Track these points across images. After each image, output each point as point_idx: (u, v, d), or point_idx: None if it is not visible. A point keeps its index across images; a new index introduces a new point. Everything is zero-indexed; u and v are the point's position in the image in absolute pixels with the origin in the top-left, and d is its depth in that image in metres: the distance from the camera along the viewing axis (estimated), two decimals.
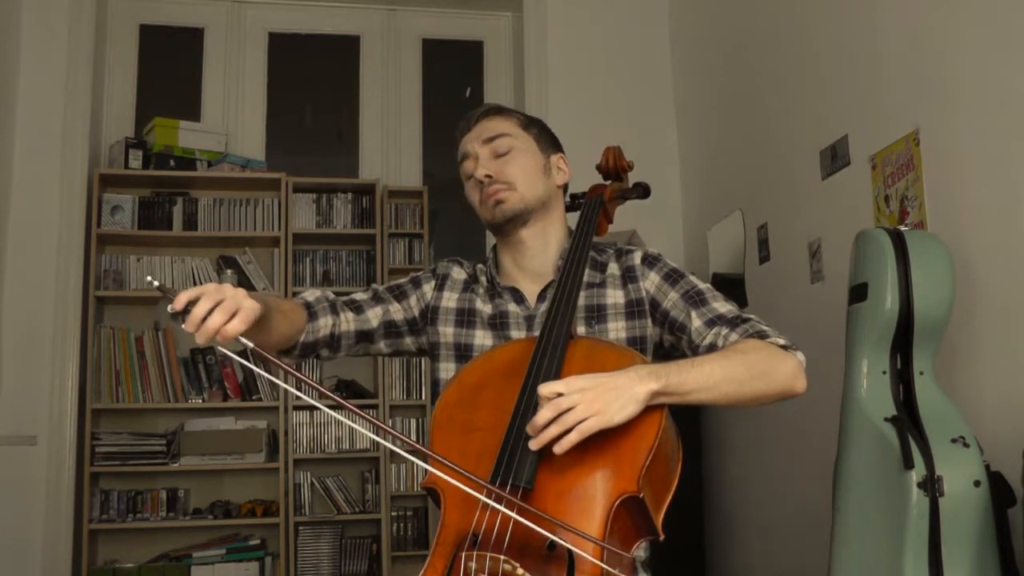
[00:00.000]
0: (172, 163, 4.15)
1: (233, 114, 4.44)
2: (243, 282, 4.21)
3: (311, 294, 1.69)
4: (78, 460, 3.86)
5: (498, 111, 1.73)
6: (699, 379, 1.38)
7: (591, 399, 1.28)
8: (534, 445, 1.29)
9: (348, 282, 4.33)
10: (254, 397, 4.15)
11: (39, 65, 4.03)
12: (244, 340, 1.26)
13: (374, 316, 1.71)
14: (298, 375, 1.21)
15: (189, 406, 4.08)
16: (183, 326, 1.25)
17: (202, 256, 4.23)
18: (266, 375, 1.35)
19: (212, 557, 3.96)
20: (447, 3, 4.61)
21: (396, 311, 1.73)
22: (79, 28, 4.09)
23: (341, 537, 4.17)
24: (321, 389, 1.25)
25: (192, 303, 1.25)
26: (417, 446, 1.30)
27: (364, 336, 1.72)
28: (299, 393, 1.45)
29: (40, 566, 3.77)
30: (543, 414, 1.28)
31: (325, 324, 1.66)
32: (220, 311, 1.25)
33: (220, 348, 1.27)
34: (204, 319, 1.24)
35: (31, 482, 3.81)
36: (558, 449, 1.28)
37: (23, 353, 3.87)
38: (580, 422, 1.27)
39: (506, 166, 1.66)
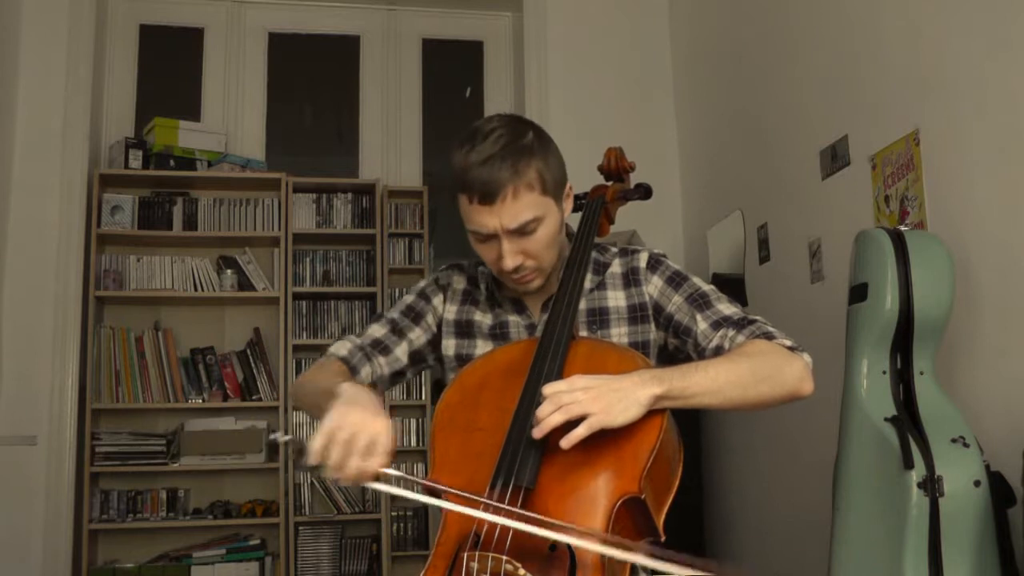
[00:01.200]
0: (172, 163, 4.15)
1: (233, 114, 4.45)
2: (243, 282, 4.21)
3: (343, 347, 1.67)
4: (78, 460, 3.87)
5: (517, 175, 1.47)
6: (703, 383, 1.37)
7: (593, 397, 1.28)
8: (537, 433, 1.28)
9: (348, 282, 4.33)
10: (254, 397, 4.15)
11: (39, 65, 4.03)
12: (388, 471, 1.24)
13: (403, 353, 1.70)
14: (456, 496, 1.23)
15: (189, 406, 4.08)
16: (325, 474, 1.23)
17: (202, 256, 4.23)
18: (415, 497, 1.29)
19: (212, 557, 3.96)
20: (447, 3, 4.61)
21: (418, 337, 1.71)
22: (79, 28, 4.09)
23: (341, 537, 4.17)
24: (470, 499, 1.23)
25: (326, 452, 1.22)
26: (409, 478, 1.29)
27: (398, 375, 1.73)
28: (453, 506, 1.28)
29: (40, 566, 3.77)
30: (545, 407, 1.28)
31: (367, 375, 1.66)
32: (356, 455, 1.22)
33: (373, 486, 1.25)
34: (342, 466, 1.22)
35: (31, 482, 3.81)
36: (565, 443, 1.27)
37: (23, 353, 3.87)
38: (584, 415, 1.27)
39: (532, 246, 1.52)
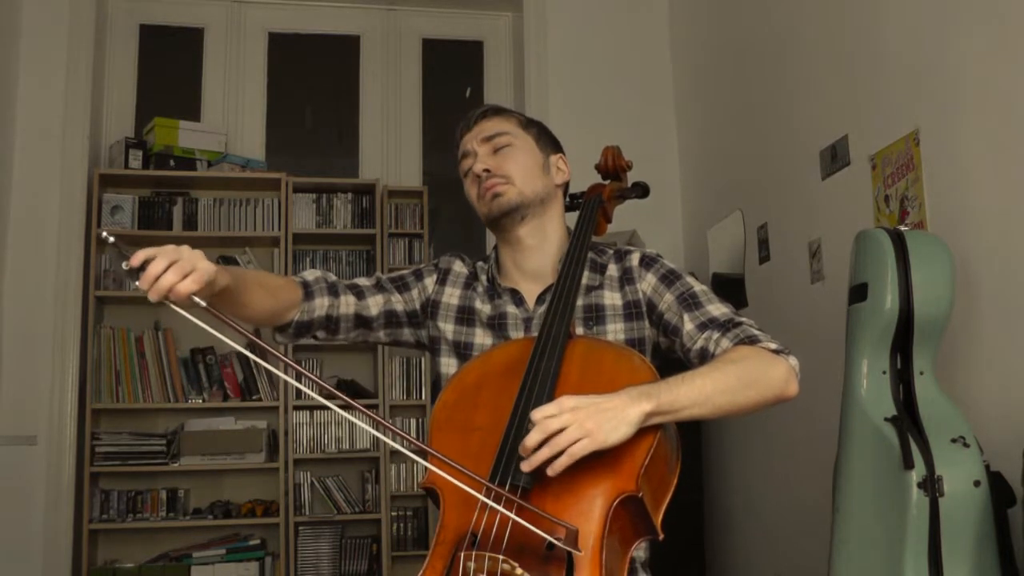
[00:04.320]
0: (172, 163, 4.15)
1: (233, 114, 4.45)
2: None
3: (311, 274, 1.67)
4: (78, 460, 3.86)
5: (497, 111, 1.73)
6: (691, 395, 1.37)
7: (583, 418, 1.27)
8: (526, 467, 1.28)
9: None
10: (254, 397, 4.15)
11: (39, 65, 4.03)
12: (197, 299, 1.29)
13: (375, 304, 1.70)
14: (254, 341, 1.32)
15: (189, 406, 4.08)
16: (136, 283, 1.28)
17: None
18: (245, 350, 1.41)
19: (212, 557, 3.96)
20: (447, 3, 4.61)
21: (398, 302, 1.72)
22: (79, 28, 4.09)
23: (341, 537, 4.17)
24: (291, 364, 1.33)
25: (148, 261, 1.28)
26: (417, 443, 1.31)
27: (363, 322, 1.70)
28: (267, 366, 1.39)
29: (40, 566, 3.77)
30: (532, 436, 1.27)
31: (321, 304, 1.64)
32: (174, 270, 1.27)
33: (173, 306, 1.29)
34: (158, 277, 1.27)
35: (31, 482, 3.81)
36: (551, 472, 1.27)
37: (23, 353, 3.87)
38: (571, 444, 1.26)
39: (504, 161, 1.67)
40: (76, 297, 3.95)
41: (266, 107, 4.50)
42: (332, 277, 1.69)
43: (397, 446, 1.40)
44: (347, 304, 1.67)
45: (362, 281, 1.72)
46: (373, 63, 4.63)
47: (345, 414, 1.34)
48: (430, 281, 1.74)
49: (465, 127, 1.72)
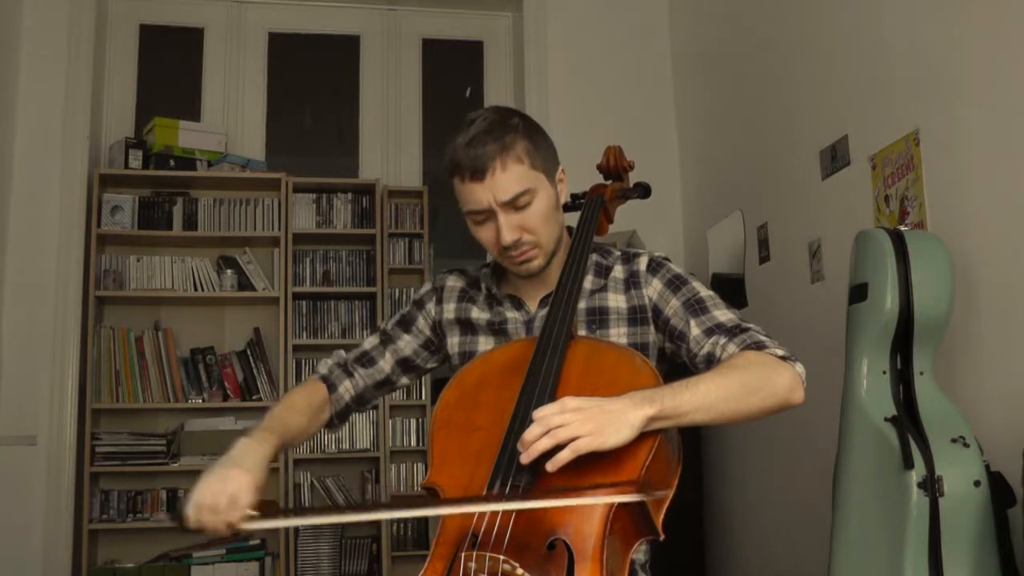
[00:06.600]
0: (172, 163, 4.15)
1: (233, 114, 4.44)
2: (243, 282, 4.21)
3: (324, 366, 1.77)
4: (78, 460, 3.86)
5: (505, 149, 1.52)
6: (695, 400, 1.36)
7: (584, 419, 1.27)
8: (525, 459, 1.28)
9: (348, 282, 4.33)
10: (254, 397, 4.15)
11: (39, 65, 4.03)
12: (250, 512, 1.40)
13: (385, 364, 1.76)
14: (303, 521, 1.42)
15: (189, 406, 4.08)
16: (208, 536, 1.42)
17: (202, 256, 4.23)
18: (283, 523, 1.50)
19: (212, 557, 3.96)
20: (447, 3, 4.61)
21: (406, 345, 1.76)
22: (79, 28, 4.10)
23: (341, 537, 4.17)
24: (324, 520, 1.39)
25: (199, 518, 1.40)
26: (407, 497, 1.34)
27: (383, 384, 1.78)
28: (309, 522, 1.56)
29: (40, 566, 3.77)
30: (533, 430, 1.27)
31: (346, 389, 1.75)
32: (222, 514, 1.38)
33: (244, 527, 1.41)
34: (215, 525, 1.39)
35: (31, 482, 3.81)
36: (551, 466, 1.26)
37: (23, 353, 3.87)
38: (573, 439, 1.26)
39: (527, 218, 1.55)
40: (76, 297, 3.95)
41: (266, 107, 4.50)
42: (343, 356, 1.77)
43: (408, 513, 1.42)
44: (362, 377, 1.76)
45: (369, 344, 1.78)
46: (373, 63, 4.63)
47: (357, 518, 1.50)
48: (431, 305, 1.75)
49: (474, 171, 1.51)
